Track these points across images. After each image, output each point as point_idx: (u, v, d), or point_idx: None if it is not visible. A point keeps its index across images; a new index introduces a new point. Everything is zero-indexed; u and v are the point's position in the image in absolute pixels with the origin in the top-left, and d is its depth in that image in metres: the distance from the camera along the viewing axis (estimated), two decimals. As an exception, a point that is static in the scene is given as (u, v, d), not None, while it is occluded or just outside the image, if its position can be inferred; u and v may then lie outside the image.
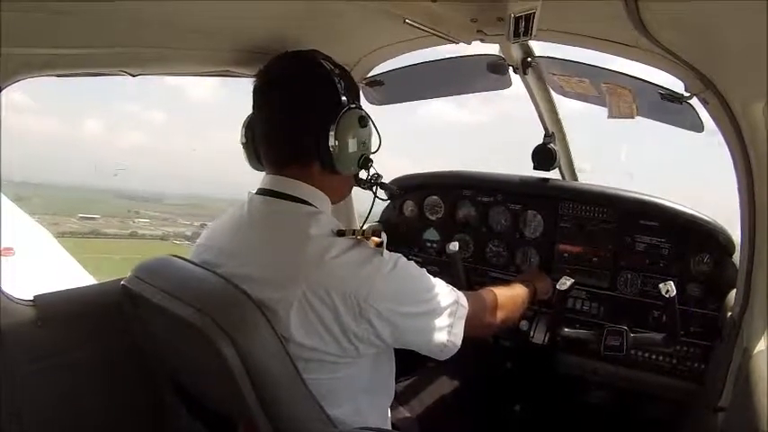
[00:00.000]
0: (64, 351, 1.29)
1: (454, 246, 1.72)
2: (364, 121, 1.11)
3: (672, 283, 1.46)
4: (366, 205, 1.24)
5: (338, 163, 1.09)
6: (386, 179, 1.22)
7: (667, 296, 1.45)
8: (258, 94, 1.13)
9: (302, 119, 1.08)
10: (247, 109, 1.17)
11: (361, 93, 1.84)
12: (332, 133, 1.06)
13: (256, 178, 1.18)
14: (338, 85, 1.09)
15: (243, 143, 1.19)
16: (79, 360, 1.31)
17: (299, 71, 1.11)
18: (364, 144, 1.12)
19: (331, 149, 1.07)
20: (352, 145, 1.09)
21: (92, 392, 1.34)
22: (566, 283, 1.55)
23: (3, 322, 1.17)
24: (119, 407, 1.37)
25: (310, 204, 1.08)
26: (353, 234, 1.04)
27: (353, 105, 1.10)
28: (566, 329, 1.65)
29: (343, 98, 1.09)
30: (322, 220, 1.05)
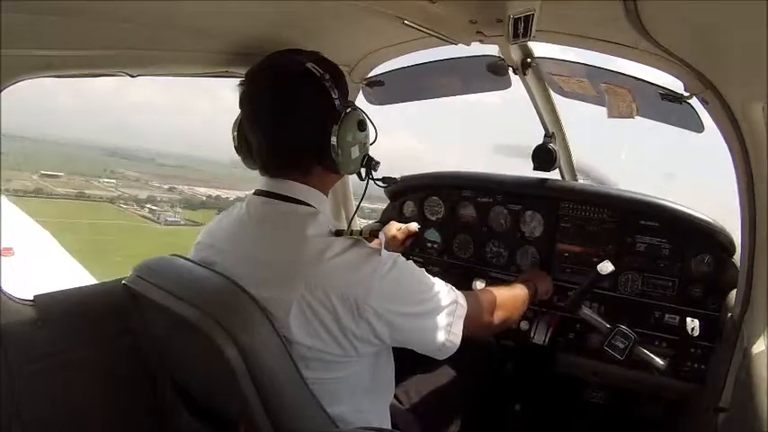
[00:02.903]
0: (64, 351, 1.29)
1: (481, 283, 1.88)
2: (363, 124, 1.10)
3: (697, 322, 1.52)
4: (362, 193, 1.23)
5: (342, 166, 1.09)
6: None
7: (692, 334, 1.51)
8: (247, 100, 1.09)
9: (298, 127, 1.06)
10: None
11: (360, 92, 1.86)
12: (333, 139, 1.05)
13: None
14: (330, 89, 1.05)
15: (236, 147, 1.17)
16: (79, 360, 1.31)
17: (288, 77, 1.05)
18: (364, 145, 1.12)
19: (334, 155, 1.06)
20: (354, 150, 1.09)
21: (92, 392, 1.34)
22: (608, 267, 1.53)
23: (3, 322, 1.18)
24: (119, 407, 1.38)
25: (309, 205, 1.08)
26: (351, 234, 1.04)
27: (350, 108, 1.08)
28: (585, 310, 1.63)
29: (338, 101, 1.06)
30: (320, 220, 1.06)
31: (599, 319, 1.62)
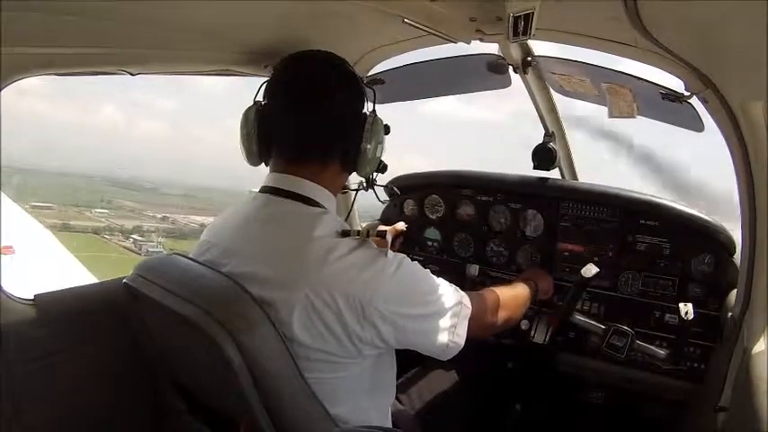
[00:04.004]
0: (64, 350, 1.29)
1: (474, 269, 1.87)
2: (388, 128, 1.15)
3: (691, 305, 1.48)
4: (365, 200, 1.26)
5: (361, 166, 1.12)
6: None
7: (686, 317, 1.48)
8: (286, 90, 1.11)
9: (337, 119, 1.09)
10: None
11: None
12: (366, 135, 1.09)
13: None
14: (367, 93, 1.14)
15: (245, 135, 1.14)
16: (79, 359, 1.31)
17: (335, 72, 1.12)
18: (383, 150, 1.16)
19: (361, 151, 1.10)
20: (378, 150, 1.13)
21: (92, 391, 1.34)
22: (591, 270, 1.54)
23: (3, 321, 1.17)
24: (119, 406, 1.38)
25: (317, 204, 1.08)
26: (358, 234, 1.04)
27: (375, 114, 1.13)
28: (577, 317, 1.64)
29: (371, 105, 1.13)
30: (327, 220, 1.05)
31: (592, 323, 1.63)
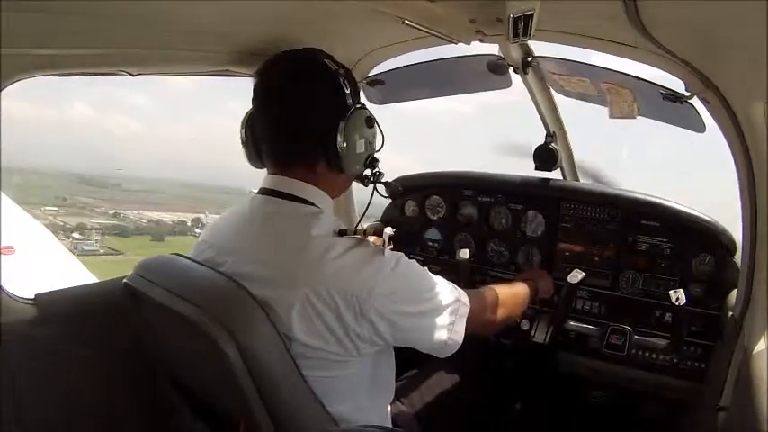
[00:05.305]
0: (65, 350, 1.29)
1: (464, 253, 1.77)
2: (371, 121, 1.12)
3: (682, 291, 1.48)
4: (365, 199, 1.24)
5: (345, 163, 1.09)
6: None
7: (677, 304, 1.48)
8: (262, 92, 1.11)
9: (310, 119, 1.07)
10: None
11: (361, 92, 1.86)
12: (340, 134, 1.06)
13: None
14: (343, 86, 1.09)
15: (243, 142, 1.18)
16: (80, 359, 1.31)
17: (305, 71, 1.10)
18: (371, 144, 1.13)
19: (339, 150, 1.07)
20: (359, 145, 1.10)
21: (92, 391, 1.34)
22: (577, 276, 1.55)
23: (3, 320, 1.18)
24: (120, 405, 1.38)
25: (313, 204, 1.09)
26: (355, 233, 1.04)
27: (359, 105, 1.10)
28: (571, 323, 1.66)
29: (349, 99, 1.09)
30: (324, 220, 1.06)
31: (587, 327, 1.64)
